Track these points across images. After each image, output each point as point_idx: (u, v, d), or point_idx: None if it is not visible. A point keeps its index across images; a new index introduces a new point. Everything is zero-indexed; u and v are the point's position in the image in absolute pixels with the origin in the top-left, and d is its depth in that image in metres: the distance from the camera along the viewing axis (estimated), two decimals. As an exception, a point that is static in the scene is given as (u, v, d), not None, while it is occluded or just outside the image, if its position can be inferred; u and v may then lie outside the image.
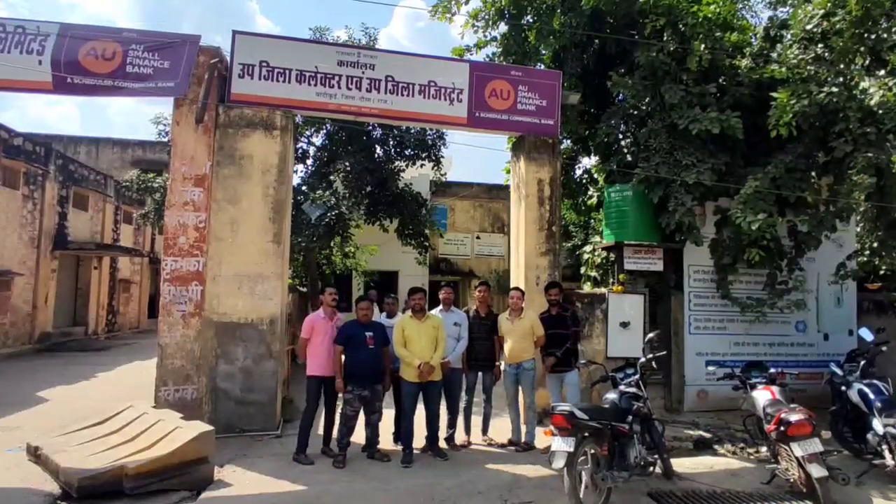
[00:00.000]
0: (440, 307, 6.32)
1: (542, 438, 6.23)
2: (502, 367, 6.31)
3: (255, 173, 7.00)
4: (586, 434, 4.39)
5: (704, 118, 7.35)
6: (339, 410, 5.74)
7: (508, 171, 10.08)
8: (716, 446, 6.84)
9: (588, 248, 8.94)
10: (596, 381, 5.46)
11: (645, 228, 8.25)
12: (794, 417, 4.57)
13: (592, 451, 4.44)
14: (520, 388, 6.24)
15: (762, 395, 5.38)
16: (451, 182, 18.93)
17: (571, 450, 4.21)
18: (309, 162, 13.15)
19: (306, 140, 13.19)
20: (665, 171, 7.57)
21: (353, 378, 5.54)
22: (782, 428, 4.62)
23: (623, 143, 8.63)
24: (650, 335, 5.57)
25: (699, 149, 7.65)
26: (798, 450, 4.51)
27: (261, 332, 6.81)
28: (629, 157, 8.40)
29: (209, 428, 5.22)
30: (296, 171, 12.87)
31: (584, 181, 9.88)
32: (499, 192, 19.13)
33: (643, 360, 5.36)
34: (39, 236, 15.13)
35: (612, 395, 5.01)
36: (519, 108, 7.86)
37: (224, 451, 5.99)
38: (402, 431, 5.75)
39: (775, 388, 5.42)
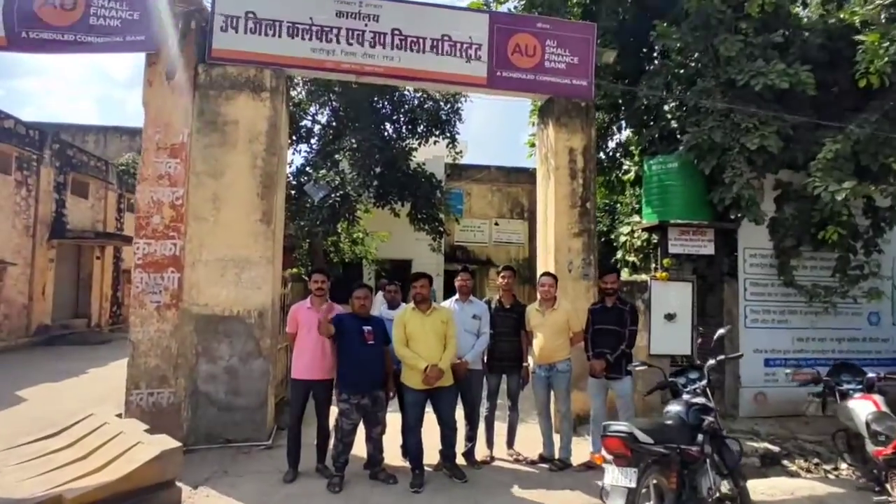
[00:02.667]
0: (456, 297, 5.29)
1: (578, 452, 5.21)
2: (531, 369, 5.27)
3: (240, 142, 6.03)
4: (649, 462, 3.35)
5: (770, 71, 6.18)
6: (332, 422, 4.75)
7: (533, 145, 8.99)
8: (785, 461, 5.77)
9: (625, 229, 7.83)
10: (653, 389, 4.38)
11: (693, 205, 7.13)
12: (925, 440, 3.47)
13: (656, 482, 3.40)
14: (552, 393, 5.20)
15: (862, 407, 4.29)
16: (467, 165, 17.88)
17: (633, 485, 3.18)
18: (313, 141, 12.18)
19: (311, 118, 12.23)
20: (720, 136, 6.43)
21: (349, 384, 4.55)
22: (908, 454, 3.53)
23: (666, 107, 7.47)
24: (720, 331, 4.47)
25: (761, 109, 6.48)
26: (929, 482, 3.42)
27: (248, 325, 5.86)
28: (674, 124, 7.25)
29: (175, 445, 4.26)
30: (299, 151, 11.96)
31: (619, 155, 8.73)
32: (518, 176, 18.00)
33: (713, 362, 4.28)
34: (35, 224, 14.39)
35: (676, 408, 3.94)
36: (547, 66, 6.76)
37: (202, 467, 5.09)
38: (409, 448, 4.76)
39: (878, 398, 4.32)
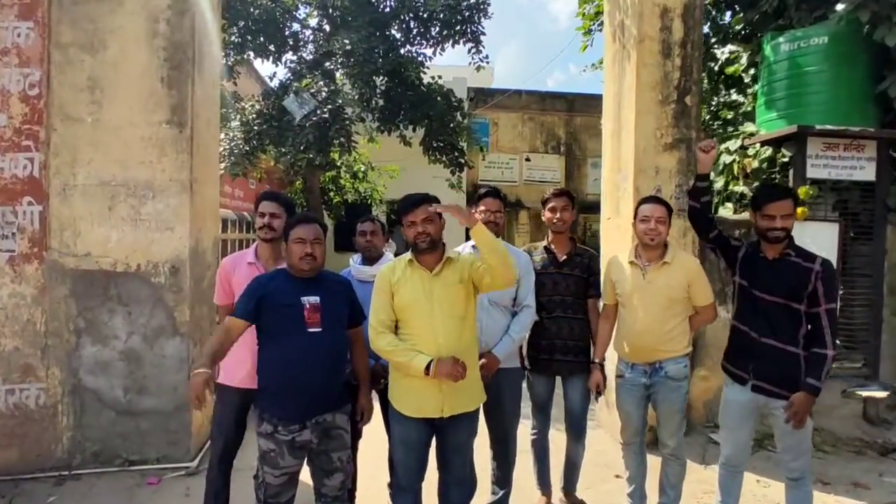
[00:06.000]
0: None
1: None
2: (618, 371, 3.01)
3: (130, -7, 3.75)
4: None
5: None
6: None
7: (588, 31, 6.47)
8: None
9: (732, 143, 5.33)
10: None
11: (847, 104, 4.66)
12: None
13: None
14: (652, 412, 2.96)
15: None
16: (493, 89, 15.24)
17: None
18: (303, 52, 9.78)
19: (300, 22, 9.80)
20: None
21: (274, 404, 2.40)
22: None
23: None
24: None
25: None
26: None
27: (155, 287, 3.78)
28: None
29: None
30: (283, 63, 9.58)
31: (715, 42, 6.12)
32: (554, 103, 15.30)
33: None
34: None
35: None
36: None
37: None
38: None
39: None
